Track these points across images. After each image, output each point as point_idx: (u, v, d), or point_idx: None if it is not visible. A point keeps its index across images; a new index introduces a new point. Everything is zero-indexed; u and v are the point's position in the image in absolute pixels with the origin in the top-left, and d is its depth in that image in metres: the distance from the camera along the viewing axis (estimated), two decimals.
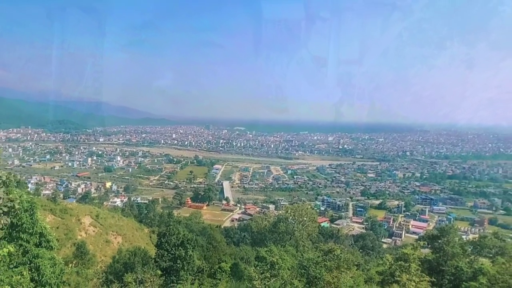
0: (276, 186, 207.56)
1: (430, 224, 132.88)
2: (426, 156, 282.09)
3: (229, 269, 24.39)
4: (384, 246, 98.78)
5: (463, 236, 39.49)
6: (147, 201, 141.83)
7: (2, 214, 6.58)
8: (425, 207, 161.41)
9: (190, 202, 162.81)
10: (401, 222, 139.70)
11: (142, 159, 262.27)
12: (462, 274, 21.41)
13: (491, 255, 27.02)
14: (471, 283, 18.93)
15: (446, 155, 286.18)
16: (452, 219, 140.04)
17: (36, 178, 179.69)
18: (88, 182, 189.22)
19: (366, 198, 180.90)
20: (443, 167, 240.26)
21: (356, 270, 18.39)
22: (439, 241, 25.19)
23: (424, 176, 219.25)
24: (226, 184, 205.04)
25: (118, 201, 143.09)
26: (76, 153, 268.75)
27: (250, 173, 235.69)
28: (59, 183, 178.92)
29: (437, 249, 24.75)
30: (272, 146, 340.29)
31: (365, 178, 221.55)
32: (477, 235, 38.59)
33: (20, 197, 7.88)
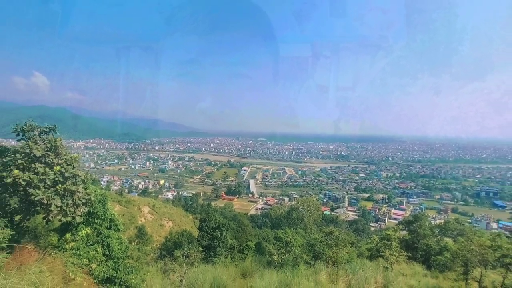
0: (290, 183, 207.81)
1: (407, 212, 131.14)
2: (403, 160, 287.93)
3: (254, 247, 24.33)
4: (372, 229, 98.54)
5: (432, 221, 39.12)
6: (191, 195, 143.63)
7: (81, 204, 6.86)
8: (403, 199, 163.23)
9: (224, 195, 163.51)
10: (385, 211, 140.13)
11: (188, 162, 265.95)
12: (431, 250, 21.81)
13: (453, 236, 28.15)
14: (438, 257, 19.53)
15: (419, 159, 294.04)
16: (423, 208, 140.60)
17: (107, 177, 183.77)
18: (146, 180, 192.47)
19: (358, 192, 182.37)
20: (417, 169, 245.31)
21: (350, 247, 18.27)
22: (414, 225, 25.41)
23: (402, 176, 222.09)
24: (251, 182, 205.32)
25: (169, 195, 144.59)
26: (137, 158, 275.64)
27: (270, 173, 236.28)
28: (124, 181, 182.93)
29: (412, 231, 24.93)
30: (286, 152, 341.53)
31: (357, 177, 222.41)
32: (442, 221, 38.55)
33: (95, 191, 8.15)
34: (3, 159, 6.04)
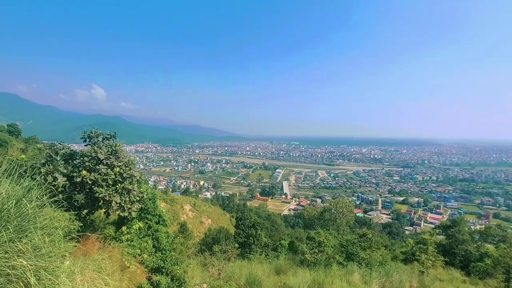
0: (322, 185, 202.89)
1: (444, 216, 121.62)
2: (440, 164, 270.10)
3: (287, 245, 23.98)
4: (407, 232, 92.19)
5: (472, 227, 35.56)
6: (228, 195, 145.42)
7: (136, 202, 7.34)
8: (440, 203, 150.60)
9: (259, 196, 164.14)
10: (420, 215, 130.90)
11: (225, 165, 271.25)
12: (470, 256, 20.10)
13: (495, 242, 25.67)
14: (478, 263, 18.06)
15: (457, 163, 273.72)
16: (462, 213, 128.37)
17: (154, 178, 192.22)
18: (188, 181, 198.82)
19: (392, 195, 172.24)
20: (455, 172, 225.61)
21: (384, 250, 17.38)
22: (452, 229, 23.50)
23: (439, 179, 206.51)
24: (285, 183, 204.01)
25: (208, 194, 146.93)
26: (180, 160, 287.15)
27: (303, 176, 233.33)
28: (169, 181, 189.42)
29: (450, 236, 23.04)
30: (319, 156, 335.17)
31: (391, 180, 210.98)
32: (483, 226, 35.08)
33: (147, 190, 8.67)
34: (74, 162, 6.68)
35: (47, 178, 5.91)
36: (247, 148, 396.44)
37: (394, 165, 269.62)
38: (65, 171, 6.31)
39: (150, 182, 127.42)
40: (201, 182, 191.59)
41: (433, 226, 75.92)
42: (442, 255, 17.08)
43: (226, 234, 29.33)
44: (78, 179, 6.22)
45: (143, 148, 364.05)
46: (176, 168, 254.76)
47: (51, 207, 5.63)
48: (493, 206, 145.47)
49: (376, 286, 9.31)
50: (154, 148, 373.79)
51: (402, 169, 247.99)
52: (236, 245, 21.88)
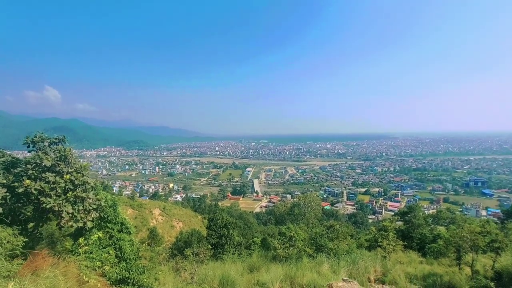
0: (291, 181, 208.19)
1: (402, 204, 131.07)
2: (397, 155, 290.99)
3: (260, 242, 24.15)
4: (370, 221, 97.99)
5: (425, 211, 39.13)
6: (199, 196, 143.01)
7: (92, 210, 6.76)
8: (398, 192, 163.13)
9: (230, 195, 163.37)
10: (381, 203, 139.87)
11: (195, 166, 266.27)
12: (425, 238, 21.73)
13: (445, 224, 28.35)
14: (432, 244, 19.39)
15: (411, 154, 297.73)
16: (417, 199, 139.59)
17: (119, 183, 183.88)
18: (156, 184, 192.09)
19: (355, 187, 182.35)
20: (409, 163, 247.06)
21: (350, 239, 18.20)
22: (408, 215, 25.48)
23: (396, 170, 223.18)
24: (255, 181, 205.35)
25: (178, 197, 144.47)
26: (147, 163, 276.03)
27: (272, 173, 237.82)
28: (135, 186, 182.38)
29: (407, 221, 25.07)
30: (287, 153, 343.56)
31: (354, 173, 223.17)
32: (435, 210, 38.80)
33: (105, 197, 8.06)
34: (15, 170, 5.95)
35: None
36: (217, 148, 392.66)
37: (356, 159, 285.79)
38: (4, 181, 5.59)
39: (114, 188, 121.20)
40: (171, 185, 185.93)
41: (392, 213, 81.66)
42: (401, 240, 18.28)
43: (199, 236, 28.65)
44: (21, 190, 5.54)
45: (105, 152, 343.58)
46: (143, 171, 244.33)
47: None
48: (442, 192, 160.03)
49: (344, 274, 9.61)
50: (117, 152, 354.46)
51: (363, 162, 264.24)
52: (209, 246, 21.43)
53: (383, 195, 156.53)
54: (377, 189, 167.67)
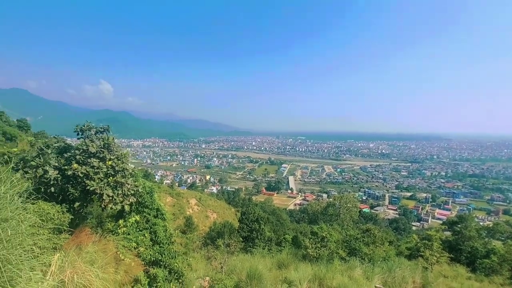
0: (328, 180, 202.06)
1: (453, 212, 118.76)
2: (450, 159, 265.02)
3: (291, 240, 23.99)
4: (414, 228, 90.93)
5: (480, 223, 34.82)
6: (234, 189, 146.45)
7: (130, 195, 7.28)
8: (449, 199, 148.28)
9: (264, 191, 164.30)
10: (428, 210, 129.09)
11: (231, 159, 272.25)
12: (477, 252, 19.57)
13: (503, 239, 25.36)
14: (484, 260, 17.60)
15: (467, 158, 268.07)
16: (471, 209, 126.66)
17: (161, 172, 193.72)
18: (194, 175, 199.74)
19: (399, 191, 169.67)
20: (465, 168, 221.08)
21: (388, 245, 17.21)
22: (458, 225, 22.99)
23: (448, 175, 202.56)
24: (291, 178, 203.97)
25: (214, 189, 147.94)
26: (187, 155, 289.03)
27: (309, 171, 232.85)
28: (175, 175, 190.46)
29: (456, 232, 22.55)
30: (325, 150, 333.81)
31: (399, 175, 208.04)
32: (491, 222, 34.43)
33: (144, 183, 8.61)
34: (66, 155, 6.63)
35: (38, 171, 5.87)
36: (253, 143, 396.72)
37: (402, 160, 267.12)
38: (57, 164, 6.27)
39: (156, 176, 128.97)
40: (207, 177, 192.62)
41: (441, 222, 75.10)
42: (448, 252, 16.86)
43: (231, 228, 29.37)
44: (70, 172, 6.17)
45: (150, 143, 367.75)
46: (182, 162, 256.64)
47: (39, 199, 5.67)
48: (503, 203, 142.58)
49: (378, 282, 9.14)
50: (161, 143, 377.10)
51: (410, 164, 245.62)
52: (240, 239, 21.88)
53: (430, 201, 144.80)
54: (424, 195, 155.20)
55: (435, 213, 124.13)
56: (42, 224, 5.23)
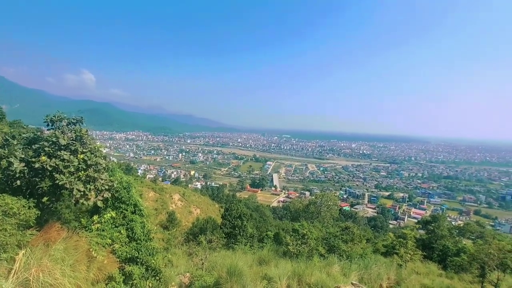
0: (311, 178, 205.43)
1: (427, 212, 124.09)
2: (426, 161, 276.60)
3: (273, 236, 24.16)
4: (391, 226, 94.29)
5: (453, 222, 36.71)
6: (218, 185, 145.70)
7: (104, 190, 7.00)
8: (424, 199, 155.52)
9: (248, 187, 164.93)
10: (405, 209, 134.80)
11: (216, 155, 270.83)
12: (448, 251, 20.72)
13: (473, 238, 27.03)
14: (454, 258, 18.72)
15: (442, 160, 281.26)
16: (444, 209, 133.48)
17: (144, 166, 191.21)
18: (178, 170, 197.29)
19: (378, 190, 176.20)
20: (440, 170, 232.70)
21: (365, 243, 17.77)
22: (432, 225, 24.21)
23: (425, 176, 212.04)
24: (275, 176, 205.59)
25: (198, 184, 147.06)
26: (171, 150, 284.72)
27: (293, 169, 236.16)
28: (159, 170, 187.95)
29: (430, 231, 23.83)
30: (309, 149, 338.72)
31: (378, 175, 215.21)
32: (462, 222, 36.42)
33: (121, 178, 8.32)
34: (34, 146, 6.25)
35: (2, 162, 5.50)
36: (239, 140, 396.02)
37: (382, 161, 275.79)
38: (23, 156, 5.90)
39: (139, 170, 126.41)
40: (192, 172, 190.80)
41: (416, 221, 78.05)
42: (421, 249, 17.53)
43: (214, 224, 29.20)
44: (37, 165, 5.81)
45: (133, 136, 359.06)
46: (167, 157, 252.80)
47: (5, 192, 5.33)
48: (474, 203, 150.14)
49: (355, 278, 9.30)
50: (145, 137, 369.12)
51: (389, 165, 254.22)
52: (223, 235, 21.81)
53: (407, 201, 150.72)
54: (401, 194, 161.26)
55: (411, 212, 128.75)
56: (5, 219, 4.91)
